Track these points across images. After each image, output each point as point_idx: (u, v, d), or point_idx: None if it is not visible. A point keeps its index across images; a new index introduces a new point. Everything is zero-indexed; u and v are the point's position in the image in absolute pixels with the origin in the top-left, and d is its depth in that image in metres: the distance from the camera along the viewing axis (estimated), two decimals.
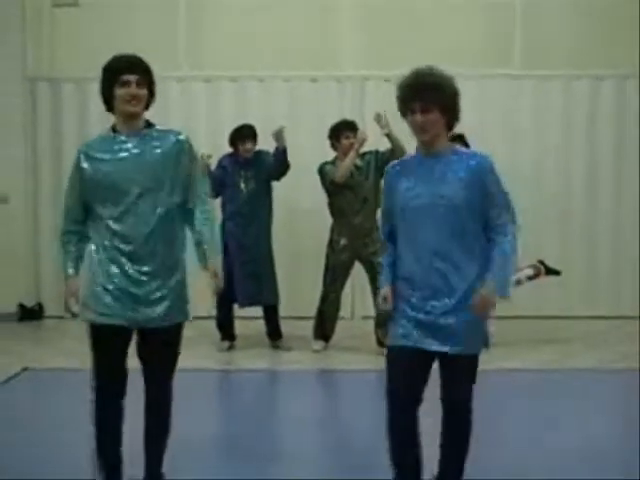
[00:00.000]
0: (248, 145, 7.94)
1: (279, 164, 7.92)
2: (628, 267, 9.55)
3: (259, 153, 8.04)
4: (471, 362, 4.02)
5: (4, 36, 9.34)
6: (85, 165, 4.20)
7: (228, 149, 8.08)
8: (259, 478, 4.78)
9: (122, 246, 4.15)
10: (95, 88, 9.90)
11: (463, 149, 4.19)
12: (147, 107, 4.33)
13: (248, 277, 7.89)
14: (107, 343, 4.24)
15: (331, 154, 7.90)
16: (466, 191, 3.85)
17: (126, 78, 4.22)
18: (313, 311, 8.07)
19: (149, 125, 4.35)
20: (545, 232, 9.47)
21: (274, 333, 8.18)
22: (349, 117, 8.17)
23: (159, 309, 4.21)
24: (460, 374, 4.03)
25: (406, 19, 9.62)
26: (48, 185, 9.66)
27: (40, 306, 9.72)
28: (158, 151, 4.20)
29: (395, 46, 9.51)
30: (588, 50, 9.50)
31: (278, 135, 7.84)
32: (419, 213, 3.90)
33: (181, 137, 4.31)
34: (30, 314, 9.62)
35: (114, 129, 4.29)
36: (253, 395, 6.92)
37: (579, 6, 9.57)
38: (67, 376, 7.14)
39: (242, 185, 7.97)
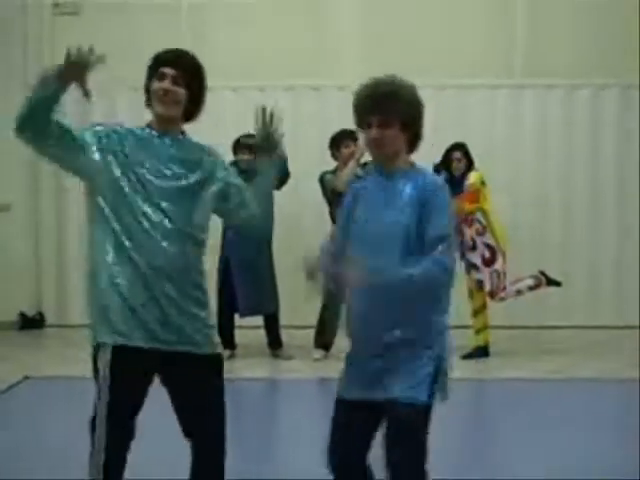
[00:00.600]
0: (246, 155, 7.92)
1: (279, 174, 7.88)
2: (630, 277, 9.54)
3: None
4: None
5: (5, 44, 9.38)
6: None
7: (230, 158, 8.08)
8: None
9: None
10: (96, 95, 9.91)
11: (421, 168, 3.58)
12: (190, 117, 3.87)
13: (249, 287, 7.88)
14: None
15: (332, 163, 7.90)
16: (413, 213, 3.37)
17: (164, 71, 3.62)
18: (314, 320, 8.07)
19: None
20: (546, 242, 9.47)
21: (274, 342, 8.18)
22: (350, 126, 8.16)
23: None
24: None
25: (408, 29, 9.63)
26: (49, 194, 9.67)
27: (41, 315, 9.72)
28: None
29: (397, 55, 9.51)
30: (590, 59, 9.50)
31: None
32: (367, 240, 3.46)
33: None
34: (31, 323, 9.62)
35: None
36: (253, 404, 6.91)
37: (581, 15, 9.57)
38: (68, 384, 7.15)
39: None
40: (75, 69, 3.61)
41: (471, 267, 7.79)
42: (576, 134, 9.58)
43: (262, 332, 8.17)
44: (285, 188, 8.12)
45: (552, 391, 6.97)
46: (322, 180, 7.82)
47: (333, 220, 7.88)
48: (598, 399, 6.72)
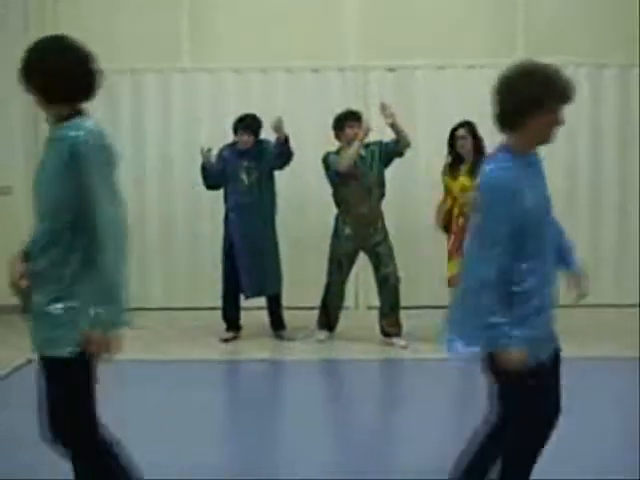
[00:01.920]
0: (245, 136, 7.88)
1: (281, 154, 7.87)
2: (631, 257, 9.54)
3: (260, 143, 7.97)
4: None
5: (5, 30, 9.33)
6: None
7: (232, 138, 8.05)
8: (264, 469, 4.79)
9: None
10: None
11: None
12: (68, 95, 3.62)
13: (253, 269, 7.87)
14: None
15: (335, 144, 7.88)
16: None
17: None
18: (317, 301, 8.07)
19: None
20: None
21: (277, 323, 8.17)
22: (352, 107, 8.14)
23: None
24: None
25: (409, 9, 9.59)
26: None
27: None
28: None
29: (398, 36, 9.48)
30: (590, 38, 9.47)
31: (276, 126, 7.81)
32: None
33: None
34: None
35: None
36: (257, 385, 6.92)
37: None
38: None
39: (243, 176, 7.91)
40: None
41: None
42: (577, 112, 9.54)
43: (266, 313, 8.17)
44: (288, 169, 8.11)
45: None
46: (325, 161, 7.79)
47: (336, 201, 7.87)
48: (601, 378, 6.72)
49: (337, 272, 7.87)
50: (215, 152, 8.04)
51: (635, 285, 9.46)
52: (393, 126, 7.57)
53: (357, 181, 7.69)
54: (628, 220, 9.56)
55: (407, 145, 7.71)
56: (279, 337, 8.12)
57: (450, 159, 7.64)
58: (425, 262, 9.11)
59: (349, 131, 7.67)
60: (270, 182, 8.07)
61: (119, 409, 5.73)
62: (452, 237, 7.59)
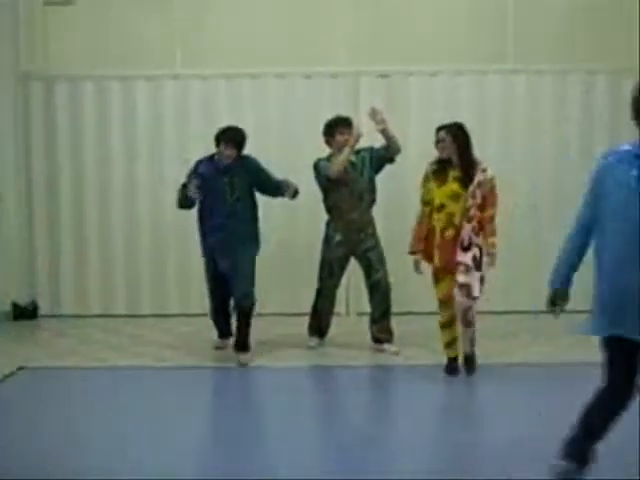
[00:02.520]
0: (228, 150, 7.34)
1: (277, 194, 7.69)
2: None
3: (243, 159, 7.47)
4: None
5: None
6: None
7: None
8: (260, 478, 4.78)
9: None
10: (88, 86, 9.92)
11: None
12: None
13: (238, 276, 7.44)
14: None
15: (326, 150, 7.87)
16: None
17: None
18: (308, 307, 8.07)
19: None
20: (540, 224, 9.48)
21: (241, 343, 7.52)
22: (343, 113, 8.14)
23: None
24: None
25: (401, 16, 9.62)
26: (41, 183, 9.64)
27: (34, 305, 9.69)
28: None
29: (390, 42, 9.50)
30: (581, 44, 9.51)
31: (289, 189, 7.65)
32: None
33: None
34: (24, 313, 9.59)
35: None
36: (248, 392, 6.91)
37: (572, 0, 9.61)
38: (63, 375, 7.14)
39: (227, 195, 7.40)
40: None
41: (460, 267, 6.66)
42: (567, 119, 9.57)
43: (261, 319, 8.12)
44: (278, 175, 8.05)
45: (549, 375, 6.98)
46: (316, 167, 7.78)
47: (327, 207, 7.87)
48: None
49: (328, 278, 7.87)
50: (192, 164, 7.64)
51: None
52: (384, 132, 7.56)
53: (348, 187, 7.69)
54: None
55: (398, 151, 7.71)
56: (239, 361, 7.43)
57: (435, 166, 6.88)
58: None
59: (340, 137, 7.66)
60: (252, 199, 7.56)
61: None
62: (437, 253, 6.82)
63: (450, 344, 6.97)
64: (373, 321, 7.87)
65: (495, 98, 9.56)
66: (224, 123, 8.13)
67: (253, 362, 7.41)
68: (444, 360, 6.95)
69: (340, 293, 8.40)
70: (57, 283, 9.74)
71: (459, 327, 6.87)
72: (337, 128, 7.70)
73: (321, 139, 7.82)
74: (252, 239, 7.53)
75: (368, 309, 7.97)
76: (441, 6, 9.68)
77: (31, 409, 6.15)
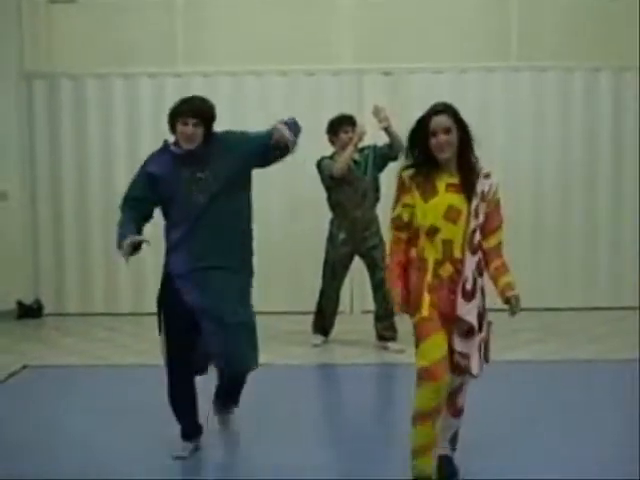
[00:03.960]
0: (188, 129, 4.88)
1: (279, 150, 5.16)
2: (628, 257, 9.55)
3: (215, 139, 4.99)
4: None
5: (0, 32, 9.32)
6: None
7: None
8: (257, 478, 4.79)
9: None
10: (92, 83, 9.89)
11: None
12: None
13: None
14: None
15: (329, 149, 7.86)
16: None
17: None
18: (313, 306, 8.07)
19: None
20: (543, 223, 9.49)
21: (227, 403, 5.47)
22: (347, 111, 8.14)
23: None
24: None
25: (404, 13, 9.62)
26: (46, 181, 9.66)
27: (39, 303, 9.70)
28: None
29: (393, 39, 9.50)
30: (585, 41, 9.50)
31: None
32: None
33: None
34: (29, 312, 9.60)
35: None
36: (253, 389, 6.91)
37: None
38: (68, 373, 7.15)
39: (194, 196, 4.83)
40: None
41: (460, 327, 4.34)
42: (571, 116, 9.56)
43: (265, 317, 8.09)
44: (281, 175, 8.04)
45: (553, 373, 6.98)
46: (320, 166, 7.78)
47: (331, 206, 7.86)
48: (598, 380, 6.73)
49: (332, 276, 7.87)
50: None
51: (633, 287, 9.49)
52: (387, 130, 7.56)
53: (351, 186, 7.69)
54: (622, 223, 9.57)
55: (401, 149, 7.67)
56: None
57: (413, 171, 4.45)
58: None
59: (343, 136, 7.66)
60: (238, 199, 4.98)
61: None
62: (426, 300, 4.31)
63: (424, 450, 4.35)
64: (377, 319, 7.87)
65: (499, 95, 9.55)
66: (226, 120, 8.12)
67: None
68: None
69: (344, 291, 8.40)
70: (62, 282, 9.75)
71: (440, 420, 4.38)
72: (341, 127, 7.70)
73: (325, 137, 7.82)
74: (241, 262, 4.97)
75: (372, 307, 7.98)
76: (445, 4, 9.67)
77: (36, 407, 6.15)
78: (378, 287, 7.79)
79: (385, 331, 7.82)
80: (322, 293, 7.96)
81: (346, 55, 9.66)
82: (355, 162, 7.69)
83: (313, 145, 8.54)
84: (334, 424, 5.99)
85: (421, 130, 4.47)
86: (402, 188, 4.43)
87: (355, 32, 9.61)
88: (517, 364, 7.14)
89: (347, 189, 7.69)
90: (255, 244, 5.02)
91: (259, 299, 8.41)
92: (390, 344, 7.78)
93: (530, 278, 9.07)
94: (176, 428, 5.07)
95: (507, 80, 9.54)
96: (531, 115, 9.55)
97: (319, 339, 8.03)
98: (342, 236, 7.76)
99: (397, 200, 4.44)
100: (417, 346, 4.34)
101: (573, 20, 9.61)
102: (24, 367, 7.33)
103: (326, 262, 7.88)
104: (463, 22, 9.64)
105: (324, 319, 8.01)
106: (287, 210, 9.26)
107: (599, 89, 9.53)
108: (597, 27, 9.51)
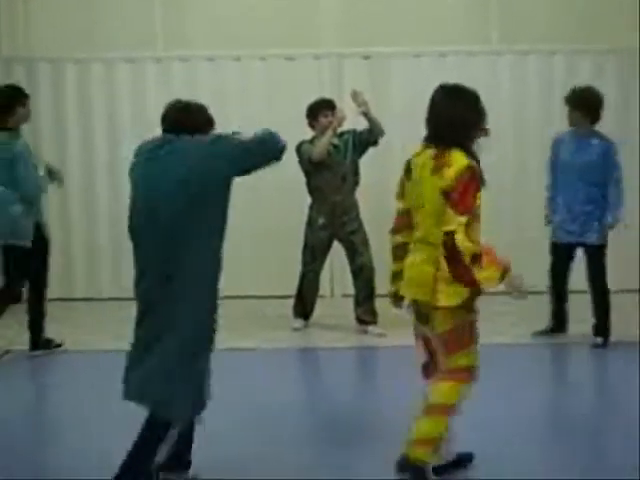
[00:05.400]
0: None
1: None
2: (629, 240, 9.47)
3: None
4: None
5: None
6: None
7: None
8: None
9: None
10: (71, 68, 9.80)
11: None
12: None
13: None
14: None
15: (309, 133, 7.86)
16: None
17: None
18: (293, 290, 8.08)
19: None
20: (531, 207, 9.49)
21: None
22: (327, 95, 8.14)
23: None
24: None
25: None
26: None
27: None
28: None
29: (373, 24, 9.48)
30: (565, 25, 9.52)
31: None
32: None
33: None
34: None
35: None
36: (233, 374, 6.93)
37: None
38: (49, 359, 7.13)
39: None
40: None
41: None
42: (553, 100, 9.57)
43: (247, 302, 8.12)
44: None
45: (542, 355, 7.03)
46: (299, 150, 7.78)
47: (310, 190, 7.87)
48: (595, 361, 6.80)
49: (312, 261, 7.89)
50: None
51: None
52: (365, 114, 7.58)
53: (331, 170, 7.70)
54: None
55: (380, 134, 7.72)
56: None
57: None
58: None
59: (323, 120, 7.67)
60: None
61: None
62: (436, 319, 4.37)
63: (438, 442, 4.35)
64: (357, 303, 7.89)
65: (480, 80, 9.55)
66: (207, 105, 8.11)
67: (242, 343, 7.42)
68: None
69: (324, 275, 8.42)
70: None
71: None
72: (320, 111, 7.71)
73: (304, 122, 7.82)
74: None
75: (352, 291, 8.00)
76: None
77: (19, 394, 6.14)
78: (358, 272, 7.82)
79: (365, 315, 7.84)
80: (302, 277, 7.98)
81: (326, 39, 9.64)
82: (334, 146, 7.70)
83: (293, 129, 8.58)
84: (316, 407, 6.00)
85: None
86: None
87: (335, 16, 9.59)
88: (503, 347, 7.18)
89: (326, 173, 7.70)
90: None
91: (247, 283, 8.42)
92: (370, 328, 7.80)
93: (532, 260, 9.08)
94: None
95: (488, 64, 9.54)
96: (513, 99, 9.55)
97: (300, 323, 8.04)
98: (321, 220, 7.77)
99: (474, 192, 4.33)
100: (467, 345, 4.33)
101: (555, 3, 9.62)
102: (6, 352, 7.31)
103: (305, 246, 7.90)
104: (444, 6, 9.63)
105: (304, 303, 8.03)
106: (265, 194, 9.24)
107: (581, 73, 9.54)
108: (579, 10, 9.51)
